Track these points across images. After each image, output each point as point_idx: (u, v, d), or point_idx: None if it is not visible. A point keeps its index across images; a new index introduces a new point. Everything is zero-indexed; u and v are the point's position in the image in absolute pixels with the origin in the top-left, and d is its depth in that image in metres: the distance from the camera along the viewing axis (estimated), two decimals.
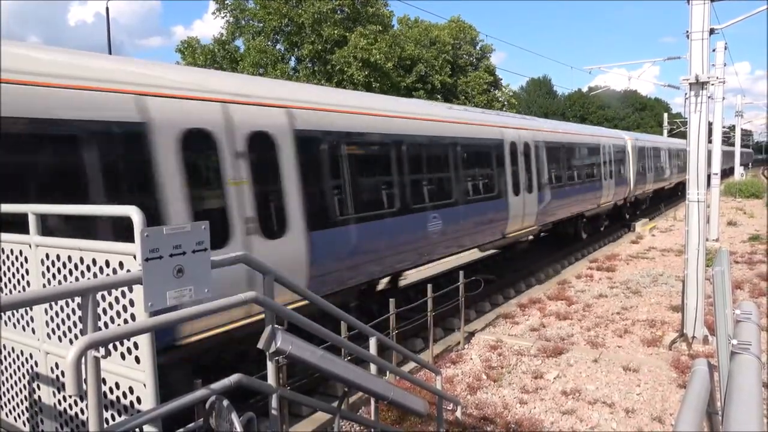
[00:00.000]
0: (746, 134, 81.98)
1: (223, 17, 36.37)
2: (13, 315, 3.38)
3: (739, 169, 44.20)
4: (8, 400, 3.56)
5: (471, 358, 8.28)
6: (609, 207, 21.27)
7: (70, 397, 2.80)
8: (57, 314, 3.03)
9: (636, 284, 12.54)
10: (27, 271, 3.22)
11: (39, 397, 3.28)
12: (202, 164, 6.19)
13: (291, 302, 5.84)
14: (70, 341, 2.95)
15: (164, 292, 2.50)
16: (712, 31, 8.41)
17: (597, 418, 6.44)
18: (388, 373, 6.19)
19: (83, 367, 2.21)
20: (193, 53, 33.59)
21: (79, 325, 2.85)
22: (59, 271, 2.99)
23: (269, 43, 34.70)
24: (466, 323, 9.16)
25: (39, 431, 3.30)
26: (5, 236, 3.34)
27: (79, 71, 5.25)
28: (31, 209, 3.19)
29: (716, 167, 18.99)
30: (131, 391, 2.73)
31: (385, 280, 10.39)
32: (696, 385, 2.13)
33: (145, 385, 2.64)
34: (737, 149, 42.67)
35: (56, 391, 3.17)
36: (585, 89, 79.27)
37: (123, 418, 2.77)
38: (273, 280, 3.28)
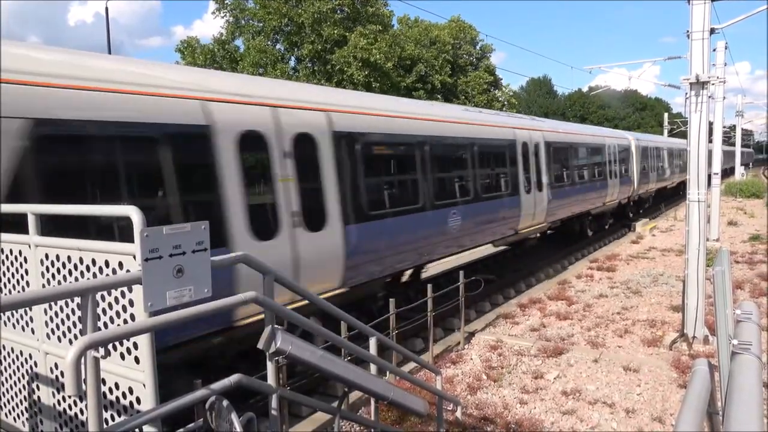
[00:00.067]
0: (746, 134, 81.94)
1: (222, 17, 36.38)
2: (13, 315, 3.38)
3: (739, 169, 44.21)
4: (8, 400, 3.56)
5: (471, 358, 8.28)
6: (614, 205, 21.78)
7: (70, 397, 2.80)
8: (56, 314, 3.03)
9: (636, 284, 12.53)
10: (26, 271, 3.22)
11: (38, 397, 3.27)
12: (256, 163, 6.72)
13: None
14: (70, 341, 2.95)
15: (164, 292, 2.50)
16: (712, 31, 8.41)
17: (597, 418, 6.44)
18: (388, 373, 6.18)
19: (83, 367, 2.21)
20: (192, 53, 33.59)
21: (79, 326, 2.84)
22: (59, 271, 2.99)
23: (269, 42, 34.69)
24: (466, 323, 9.15)
25: (38, 431, 3.30)
26: (5, 236, 3.34)
27: (161, 81, 5.92)
28: (31, 209, 3.19)
29: (717, 167, 19.00)
30: (131, 391, 2.72)
31: (409, 272, 10.89)
32: (696, 385, 2.13)
33: (144, 386, 2.64)
34: (737, 149, 42.69)
35: (56, 392, 3.16)
36: (585, 89, 79.35)
37: (123, 418, 2.77)
38: (273, 280, 3.27)
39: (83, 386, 2.22)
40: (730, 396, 1.92)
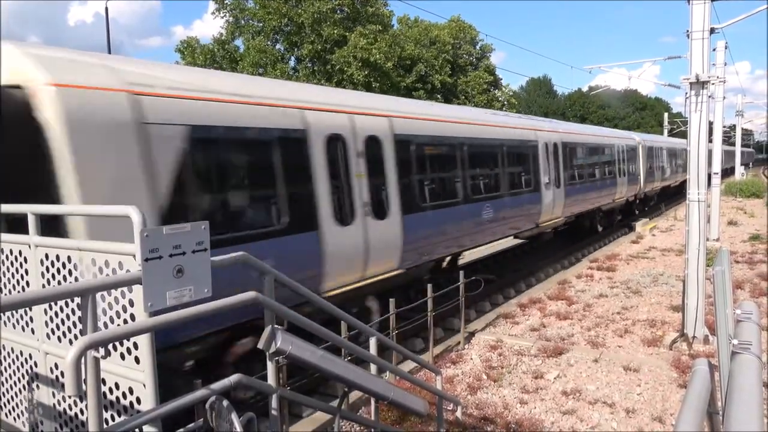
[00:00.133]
0: (747, 134, 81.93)
1: (222, 17, 36.37)
2: (13, 315, 3.38)
3: (739, 169, 44.20)
4: (8, 400, 3.56)
5: (471, 358, 8.28)
6: (622, 202, 22.88)
7: (70, 397, 2.80)
8: (57, 314, 3.03)
9: (636, 284, 12.53)
10: (27, 272, 3.22)
11: (39, 397, 3.27)
12: (338, 161, 7.77)
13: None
14: (70, 341, 2.95)
15: (164, 292, 2.50)
16: (712, 31, 8.41)
17: (597, 418, 6.44)
18: (388, 373, 6.18)
19: (83, 367, 2.21)
20: (192, 53, 33.58)
21: (79, 326, 2.84)
22: (59, 271, 2.99)
23: (269, 42, 34.68)
24: (466, 323, 9.16)
25: (39, 431, 3.30)
26: (5, 236, 3.34)
27: (272, 93, 7.17)
28: (31, 209, 3.19)
29: (717, 167, 18.99)
30: (131, 391, 2.72)
31: (448, 258, 11.91)
32: (696, 385, 2.13)
33: (144, 386, 2.64)
34: (737, 149, 42.68)
35: (56, 392, 3.16)
36: (585, 89, 79.30)
37: (123, 418, 2.77)
38: (273, 280, 3.27)
39: (83, 386, 2.22)
40: (730, 396, 1.92)
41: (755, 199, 31.51)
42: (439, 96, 40.58)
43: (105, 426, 2.42)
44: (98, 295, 2.65)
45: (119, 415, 2.82)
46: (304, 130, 7.20)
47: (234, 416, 2.69)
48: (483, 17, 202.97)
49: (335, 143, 7.69)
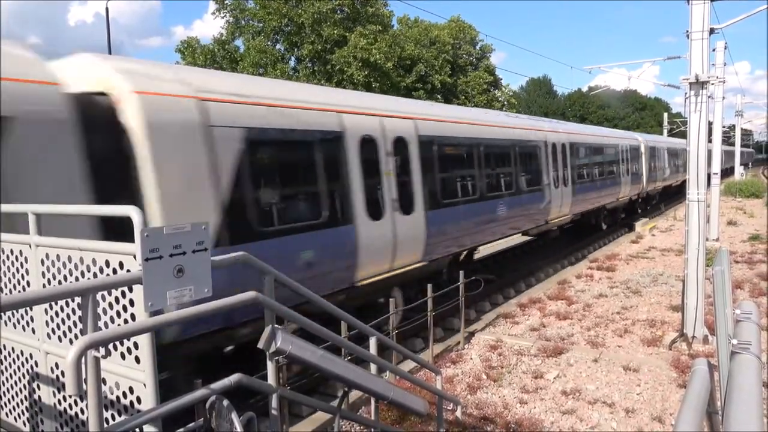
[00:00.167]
0: (746, 134, 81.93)
1: (222, 17, 36.36)
2: (13, 315, 3.38)
3: (739, 169, 44.20)
4: (8, 400, 3.56)
5: (471, 358, 8.28)
6: (626, 201, 23.61)
7: (70, 397, 2.81)
8: (57, 314, 3.03)
9: (636, 284, 12.54)
10: (27, 271, 3.22)
11: (39, 397, 3.28)
12: (370, 160, 8.34)
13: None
14: (70, 341, 2.95)
15: (164, 292, 2.50)
16: (712, 31, 8.41)
17: (597, 418, 6.44)
18: (388, 372, 6.19)
19: (83, 367, 2.21)
20: (192, 53, 33.57)
21: (79, 325, 2.85)
22: (59, 271, 2.99)
23: (269, 43, 34.67)
24: (466, 323, 9.16)
25: (39, 431, 3.30)
26: (5, 236, 3.34)
27: (314, 99, 7.85)
28: (31, 209, 3.20)
29: (716, 167, 18.99)
30: (131, 390, 2.73)
31: (465, 252, 12.33)
32: (696, 385, 2.13)
33: (145, 385, 2.64)
34: (737, 149, 42.69)
35: (56, 391, 3.17)
36: (585, 89, 79.28)
37: (123, 418, 2.77)
38: (273, 280, 3.28)
39: (84, 386, 2.22)
40: (729, 396, 1.92)
41: (755, 199, 31.53)
42: (439, 96, 40.57)
43: (105, 425, 2.42)
44: (98, 295, 2.65)
45: (119, 415, 2.82)
46: (341, 132, 7.87)
47: (234, 416, 2.69)
48: (483, 17, 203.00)
49: (368, 144, 8.34)
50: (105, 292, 2.69)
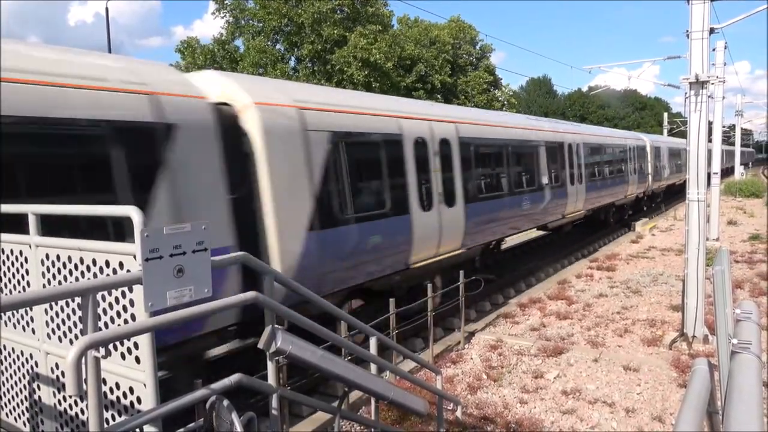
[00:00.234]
0: (746, 133, 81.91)
1: (222, 17, 36.33)
2: (13, 315, 3.38)
3: (739, 169, 44.19)
4: (8, 400, 3.56)
5: (471, 358, 8.28)
6: (632, 198, 24.93)
7: (71, 397, 2.80)
8: (57, 314, 3.03)
9: (636, 284, 12.54)
10: (27, 272, 3.22)
11: (39, 397, 3.27)
12: (421, 159, 9.57)
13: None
14: (71, 341, 2.95)
15: (164, 292, 2.50)
16: (712, 31, 8.41)
17: (597, 418, 6.44)
18: (388, 372, 6.19)
19: (83, 367, 2.21)
20: (192, 53, 33.55)
21: (79, 326, 2.84)
22: (59, 271, 2.99)
23: (269, 43, 34.65)
24: (466, 323, 9.16)
25: (39, 431, 3.30)
26: (5, 236, 3.34)
27: (380, 105, 9.31)
28: (31, 209, 3.19)
29: (716, 166, 18.99)
30: (131, 391, 2.72)
31: (494, 242, 13.50)
32: (696, 385, 2.13)
33: (145, 385, 2.64)
34: (737, 148, 42.67)
35: (56, 392, 3.16)
36: (585, 89, 79.25)
37: (123, 418, 2.77)
38: (273, 280, 3.28)
39: (84, 386, 2.22)
40: (729, 395, 1.92)
41: (755, 198, 31.52)
42: (439, 96, 40.55)
43: (105, 426, 2.42)
44: (99, 295, 2.65)
45: (120, 415, 2.82)
46: (400, 134, 9.09)
47: (234, 416, 2.69)
48: (483, 17, 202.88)
49: (419, 145, 9.55)
50: (105, 293, 2.69)
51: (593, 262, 15.37)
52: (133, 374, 2.68)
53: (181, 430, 2.85)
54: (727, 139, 53.28)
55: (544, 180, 14.84)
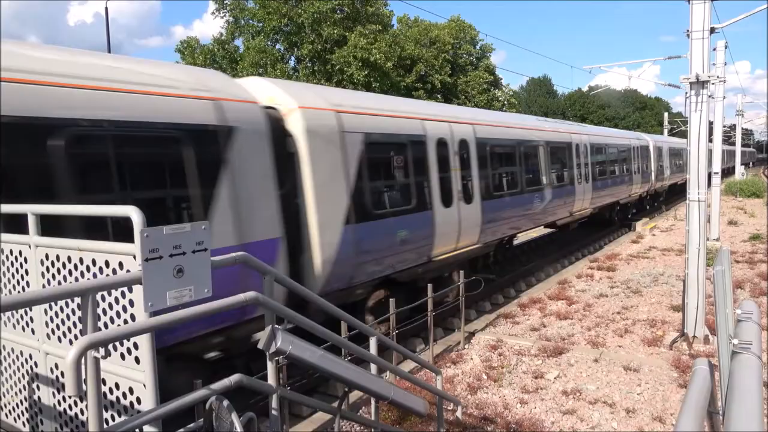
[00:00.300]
0: (747, 133, 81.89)
1: (222, 17, 36.36)
2: (13, 315, 3.38)
3: (739, 168, 44.16)
4: (8, 400, 3.56)
5: (471, 358, 8.28)
6: (636, 197, 25.63)
7: (70, 397, 2.80)
8: (57, 314, 3.02)
9: (636, 284, 12.53)
10: (27, 272, 3.21)
11: (39, 397, 3.27)
12: (442, 158, 10.19)
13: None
14: (70, 342, 2.95)
15: (164, 292, 2.50)
16: (712, 30, 8.40)
17: (597, 418, 6.43)
18: (388, 372, 6.18)
19: (83, 367, 2.21)
20: (192, 53, 33.57)
21: (79, 326, 2.84)
22: (59, 271, 2.98)
23: (269, 42, 34.66)
24: (466, 323, 9.15)
25: (39, 431, 3.30)
26: (5, 236, 3.34)
27: (406, 108, 9.99)
28: (31, 209, 3.19)
29: (717, 166, 18.98)
30: (131, 391, 2.72)
31: (506, 238, 14.04)
32: (697, 385, 2.13)
33: (145, 386, 2.64)
34: (737, 148, 42.66)
35: (56, 392, 3.16)
36: (585, 89, 79.32)
37: (123, 418, 2.77)
38: (273, 280, 3.27)
39: (83, 386, 2.22)
40: (730, 395, 1.91)
41: (755, 198, 31.50)
42: (439, 96, 40.57)
43: (105, 426, 2.42)
44: (98, 296, 2.65)
45: (119, 416, 2.82)
46: (424, 135, 9.73)
47: (234, 416, 2.69)
48: (483, 17, 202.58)
49: (441, 145, 10.16)
50: (105, 293, 2.69)
51: (593, 262, 15.37)
52: (133, 374, 2.68)
53: (181, 430, 2.85)
54: (728, 138, 53.23)
55: (555, 179, 15.55)
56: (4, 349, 3.52)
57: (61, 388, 3.11)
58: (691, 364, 2.44)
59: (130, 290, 2.61)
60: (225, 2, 36.06)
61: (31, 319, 3.24)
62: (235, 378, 2.92)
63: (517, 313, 10.55)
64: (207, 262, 2.69)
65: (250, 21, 35.54)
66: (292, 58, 36.33)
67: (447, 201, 10.14)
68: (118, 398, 2.79)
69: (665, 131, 49.84)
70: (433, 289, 8.35)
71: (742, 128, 43.10)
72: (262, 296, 3.09)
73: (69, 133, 4.95)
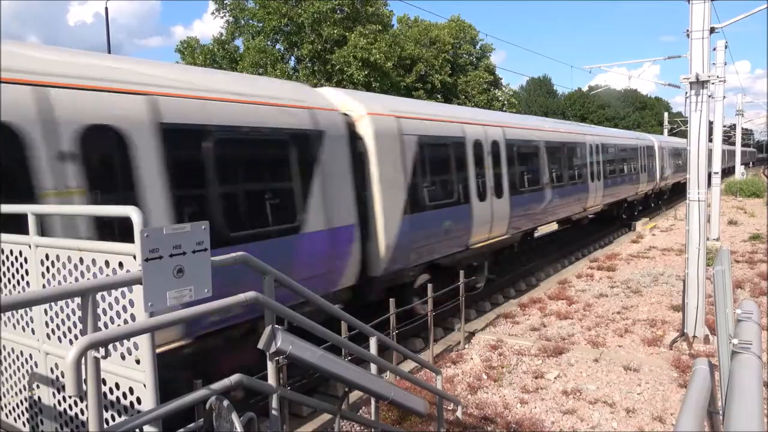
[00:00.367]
0: (747, 133, 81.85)
1: (222, 17, 36.35)
2: (13, 315, 3.38)
3: (739, 168, 44.16)
4: (8, 400, 3.56)
5: (471, 358, 8.28)
6: (642, 195, 27.04)
7: (70, 397, 2.80)
8: (57, 315, 3.02)
9: (636, 284, 12.53)
10: (27, 272, 3.21)
11: (39, 397, 3.27)
12: (478, 157, 11.41)
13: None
14: (70, 342, 2.95)
15: (164, 292, 2.50)
16: (712, 30, 8.40)
17: (598, 418, 6.44)
18: (388, 372, 6.18)
19: (83, 367, 2.21)
20: (192, 53, 33.56)
21: (79, 326, 2.84)
22: (59, 271, 2.98)
23: (269, 42, 34.66)
24: (466, 323, 9.16)
25: (39, 431, 3.30)
26: (5, 236, 3.34)
27: (450, 113, 11.58)
28: (31, 209, 3.19)
29: (717, 166, 18.97)
30: (131, 391, 2.72)
31: (529, 231, 15.28)
32: (697, 385, 2.12)
33: (145, 386, 2.63)
34: (738, 148, 42.64)
35: (56, 392, 3.16)
36: (585, 88, 79.25)
37: (123, 418, 2.77)
38: (273, 280, 3.27)
39: (84, 386, 2.22)
40: (730, 395, 1.91)
41: (755, 198, 31.50)
42: (439, 96, 40.55)
43: (105, 426, 2.42)
44: (98, 296, 2.65)
45: (119, 416, 2.82)
46: (463, 137, 11.04)
47: (234, 416, 2.68)
48: (483, 17, 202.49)
49: (477, 146, 11.40)
50: (105, 293, 2.69)
51: (593, 262, 15.37)
52: (133, 375, 2.68)
53: (182, 430, 2.85)
54: (728, 138, 53.23)
55: (571, 177, 16.94)
56: (5, 349, 3.52)
57: (61, 388, 3.11)
58: (691, 364, 2.44)
59: (130, 290, 2.61)
60: (225, 2, 36.06)
61: (32, 319, 3.23)
62: (235, 378, 2.92)
63: (517, 313, 10.55)
64: (207, 262, 2.69)
65: (250, 21, 35.53)
66: (292, 58, 36.33)
67: (482, 195, 11.42)
68: (118, 398, 2.79)
69: (665, 131, 49.83)
70: (466, 275, 9.50)
71: (742, 128, 43.09)
72: (262, 296, 3.09)
73: (224, 135, 6.35)
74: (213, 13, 36.68)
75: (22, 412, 3.45)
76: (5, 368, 3.54)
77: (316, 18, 32.81)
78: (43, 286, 3.08)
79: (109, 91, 5.37)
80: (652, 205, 30.22)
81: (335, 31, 33.21)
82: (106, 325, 2.73)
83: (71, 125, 5.02)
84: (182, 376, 5.49)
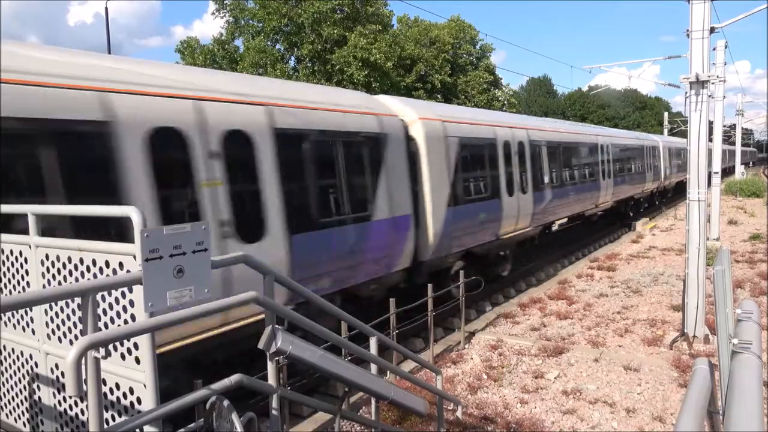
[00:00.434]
0: (747, 133, 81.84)
1: (222, 17, 36.34)
2: (13, 316, 3.38)
3: (739, 168, 44.16)
4: (9, 400, 3.56)
5: (471, 358, 8.28)
6: (648, 193, 28.48)
7: (71, 397, 2.80)
8: (57, 315, 3.02)
9: (636, 283, 12.53)
10: (27, 272, 3.21)
11: (39, 397, 3.27)
12: (507, 156, 12.75)
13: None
14: (70, 342, 2.95)
15: (164, 292, 2.50)
16: (712, 30, 8.40)
17: (598, 418, 6.44)
18: (388, 372, 6.18)
19: (83, 367, 2.21)
20: (192, 53, 33.56)
21: (79, 326, 2.84)
22: (59, 271, 2.98)
23: (269, 42, 34.65)
24: (466, 323, 9.16)
25: (39, 431, 3.30)
26: (5, 236, 3.34)
27: (483, 117, 12.90)
28: (31, 209, 3.19)
29: (717, 166, 18.97)
30: (131, 391, 2.72)
31: (548, 224, 16.16)
32: (697, 385, 2.12)
33: (145, 386, 2.63)
34: (738, 148, 42.65)
35: (56, 392, 3.16)
36: (585, 88, 79.20)
37: (123, 418, 2.77)
38: (273, 280, 3.27)
39: (84, 387, 2.22)
40: (730, 395, 1.91)
41: (755, 198, 31.50)
42: (439, 96, 40.54)
43: (105, 426, 2.42)
44: (98, 296, 2.65)
45: (120, 416, 2.82)
46: (495, 138, 12.38)
47: (234, 416, 2.68)
48: (483, 17, 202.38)
49: (505, 146, 12.72)
50: (105, 293, 2.69)
51: (593, 262, 15.37)
52: (133, 375, 2.68)
53: (182, 430, 2.85)
54: (728, 138, 53.23)
55: (584, 175, 18.30)
56: (5, 349, 3.52)
57: (61, 388, 3.11)
58: (691, 364, 2.44)
59: (131, 290, 2.61)
60: (225, 2, 36.05)
61: (32, 320, 3.24)
62: (235, 378, 2.92)
63: (518, 312, 10.55)
64: (207, 262, 2.69)
65: (250, 21, 35.52)
66: (292, 58, 36.32)
67: (510, 191, 12.74)
68: (118, 398, 2.79)
69: (665, 131, 49.82)
70: (493, 263, 11.17)
71: (742, 128, 43.09)
72: (262, 296, 3.09)
73: (318, 138, 7.71)
74: (213, 14, 36.70)
75: (23, 412, 3.45)
76: (5, 368, 3.54)
77: (316, 18, 32.80)
78: (44, 287, 3.08)
79: (241, 103, 6.73)
80: (657, 202, 31.51)
81: (335, 31, 33.20)
82: (106, 326, 2.73)
83: (217, 130, 6.31)
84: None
